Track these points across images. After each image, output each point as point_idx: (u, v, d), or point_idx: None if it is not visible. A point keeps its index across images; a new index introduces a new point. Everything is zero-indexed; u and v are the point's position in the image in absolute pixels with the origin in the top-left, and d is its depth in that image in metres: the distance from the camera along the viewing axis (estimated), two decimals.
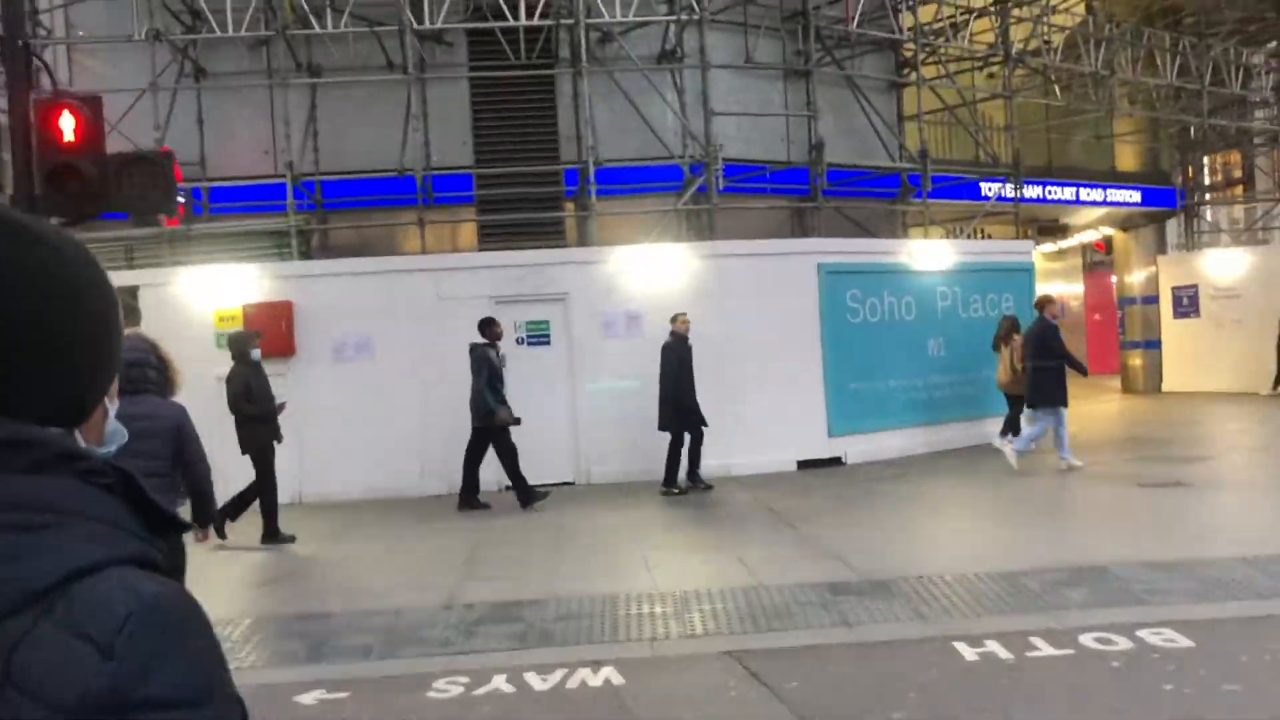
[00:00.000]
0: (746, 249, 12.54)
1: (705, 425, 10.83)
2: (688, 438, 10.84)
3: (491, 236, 13.88)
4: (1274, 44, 19.99)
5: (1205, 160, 23.28)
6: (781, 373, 12.15)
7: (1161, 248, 20.87)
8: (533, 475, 10.39)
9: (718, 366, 11.53)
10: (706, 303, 11.81)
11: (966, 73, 16.08)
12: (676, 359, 10.75)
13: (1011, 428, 13.14)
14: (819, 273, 12.73)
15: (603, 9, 12.89)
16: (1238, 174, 27.59)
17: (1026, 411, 11.88)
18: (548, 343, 12.12)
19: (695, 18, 12.94)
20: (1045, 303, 12.14)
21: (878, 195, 15.56)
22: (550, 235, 13.80)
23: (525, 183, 13.54)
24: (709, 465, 11.24)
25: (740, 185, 14.14)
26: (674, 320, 10.94)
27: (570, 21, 12.79)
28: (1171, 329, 20.06)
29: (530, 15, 12.82)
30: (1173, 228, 21.24)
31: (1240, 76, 18.53)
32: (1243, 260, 19.63)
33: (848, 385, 12.85)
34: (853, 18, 13.79)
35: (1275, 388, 17.90)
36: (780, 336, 12.24)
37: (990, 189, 16.35)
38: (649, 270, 12.16)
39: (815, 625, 5.99)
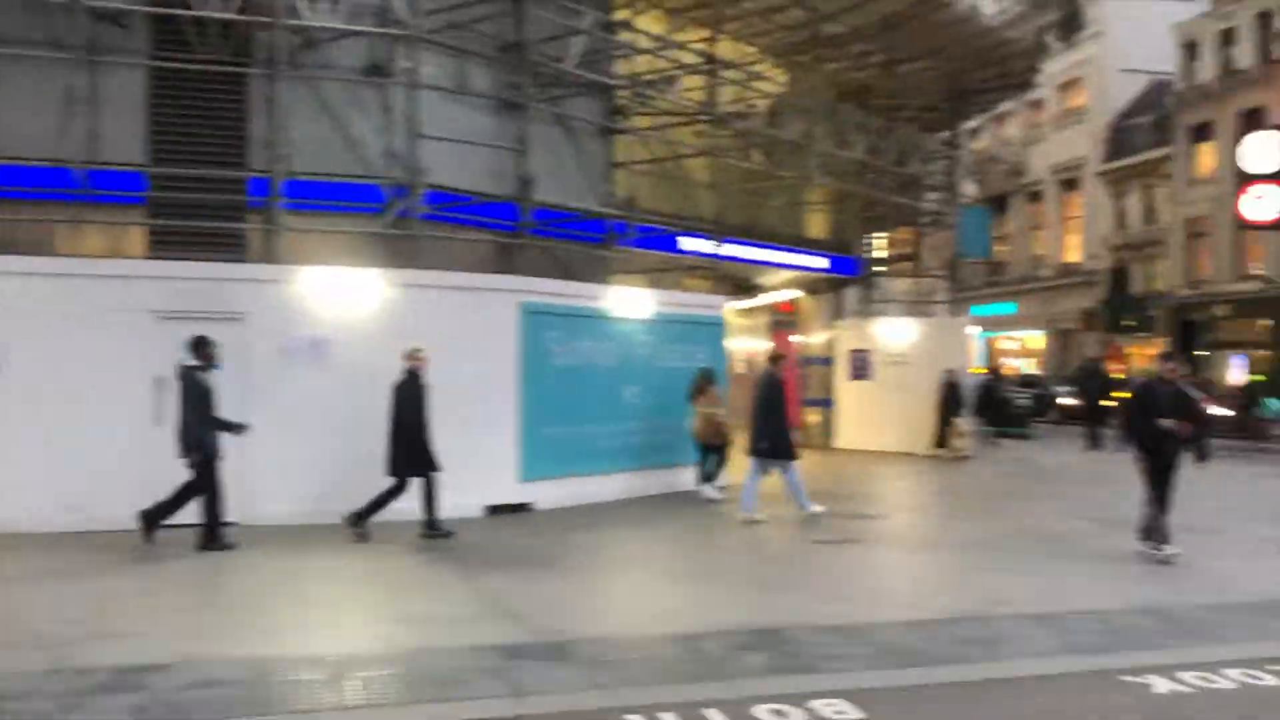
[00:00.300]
0: (447, 280, 11.95)
1: (438, 469, 10.16)
2: (419, 482, 10.13)
3: (165, 244, 12.46)
4: (946, 133, 21.94)
5: (884, 235, 25.18)
6: (474, 413, 11.62)
7: (841, 312, 22.25)
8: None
9: None
10: (399, 334, 11.11)
11: (676, 127, 16.39)
12: (409, 397, 10.05)
13: (708, 477, 13.41)
14: (521, 312, 12.36)
15: (306, 13, 12.00)
16: (909, 250, 30.23)
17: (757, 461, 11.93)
18: (217, 366, 10.94)
19: (405, 33, 12.32)
20: (777, 357, 12.52)
21: (584, 239, 15.48)
22: (231, 248, 12.59)
23: (206, 188, 12.30)
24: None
25: (446, 215, 13.57)
26: (407, 355, 10.23)
27: (269, 20, 11.80)
28: (846, 389, 21.36)
29: (224, 7, 11.73)
30: (852, 294, 22.72)
31: (919, 159, 20.19)
32: (911, 329, 21.27)
33: (543, 429, 12.51)
34: (568, 57, 13.66)
35: (935, 449, 19.42)
36: (476, 374, 11.72)
37: (691, 244, 16.70)
38: (339, 295, 11.32)
39: (483, 695, 5.47)
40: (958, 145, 22.17)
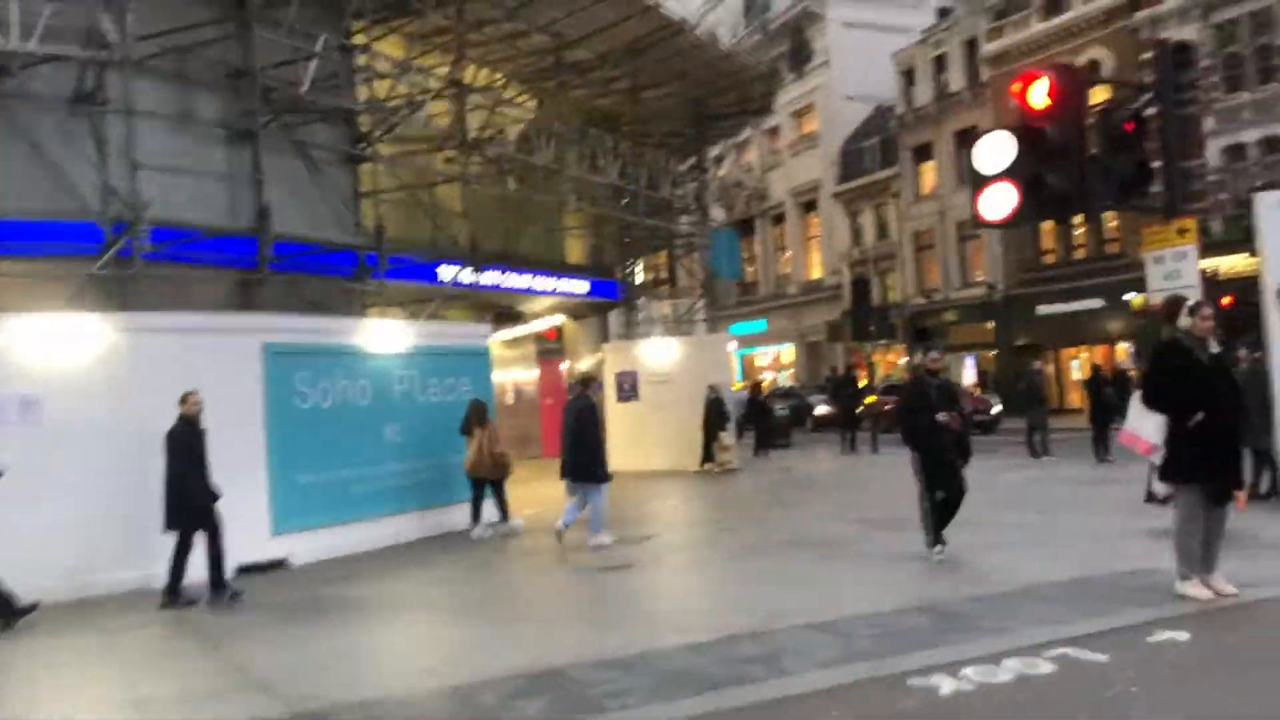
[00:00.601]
0: (179, 323, 10.94)
1: (216, 524, 9.34)
2: (198, 538, 9.25)
3: None
4: (693, 158, 22.47)
5: (642, 258, 25.54)
6: (218, 464, 10.64)
7: (606, 336, 22.31)
8: None
9: (139, 458, 9.78)
10: (127, 384, 10.07)
11: (424, 154, 15.88)
12: (180, 446, 9.21)
13: (492, 511, 12.99)
14: (265, 352, 11.48)
15: None
16: (667, 273, 30.83)
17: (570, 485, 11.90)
18: None
19: (116, 59, 11.26)
20: (588, 380, 12.41)
21: (334, 273, 14.70)
22: None
23: None
24: (115, 575, 9.50)
25: (177, 253, 12.48)
26: (182, 401, 9.38)
27: None
28: (614, 411, 21.36)
29: None
30: (615, 318, 22.84)
31: (669, 183, 20.55)
32: (674, 348, 21.58)
33: (296, 477, 11.64)
34: (301, 82, 12.93)
35: (703, 464, 19.70)
36: (217, 422, 10.73)
37: (449, 273, 16.21)
38: (54, 345, 10.12)
39: None
40: (705, 169, 22.76)
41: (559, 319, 22.50)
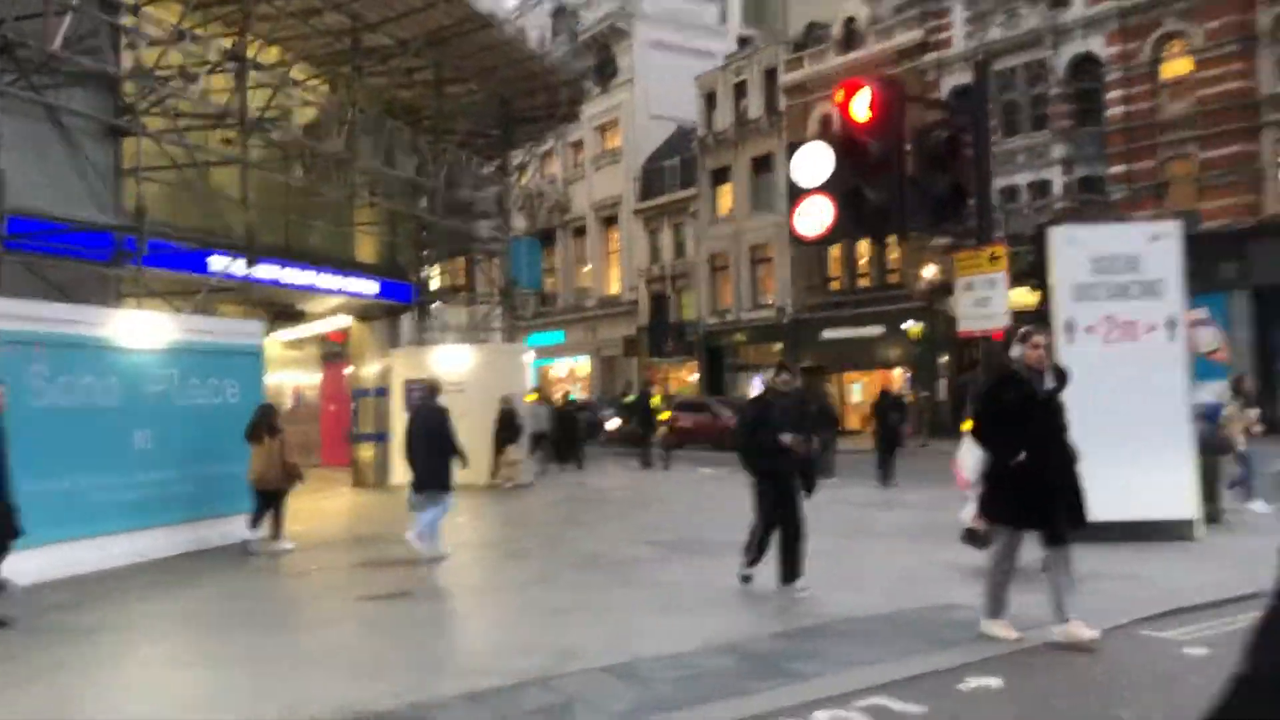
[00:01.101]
0: None
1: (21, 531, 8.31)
2: None
3: None
4: (498, 161, 21.68)
5: (439, 262, 24.48)
6: None
7: (396, 341, 21.14)
8: None
9: None
10: None
11: (199, 131, 14.40)
12: None
13: (258, 524, 11.83)
14: None
15: None
16: (463, 280, 29.80)
17: (415, 496, 11.28)
18: None
19: None
20: (437, 387, 11.90)
21: (88, 257, 13.08)
22: None
23: None
24: None
25: None
26: None
27: None
28: (402, 422, 20.22)
29: None
30: (408, 322, 21.71)
31: (470, 185, 19.68)
32: (468, 355, 20.68)
33: (23, 484, 10.11)
34: (55, 38, 11.38)
35: (493, 476, 18.87)
36: None
37: (220, 264, 14.76)
38: None
39: None
40: (509, 173, 22.01)
41: (346, 321, 21.15)
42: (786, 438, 8.04)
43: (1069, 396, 6.32)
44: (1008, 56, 31.74)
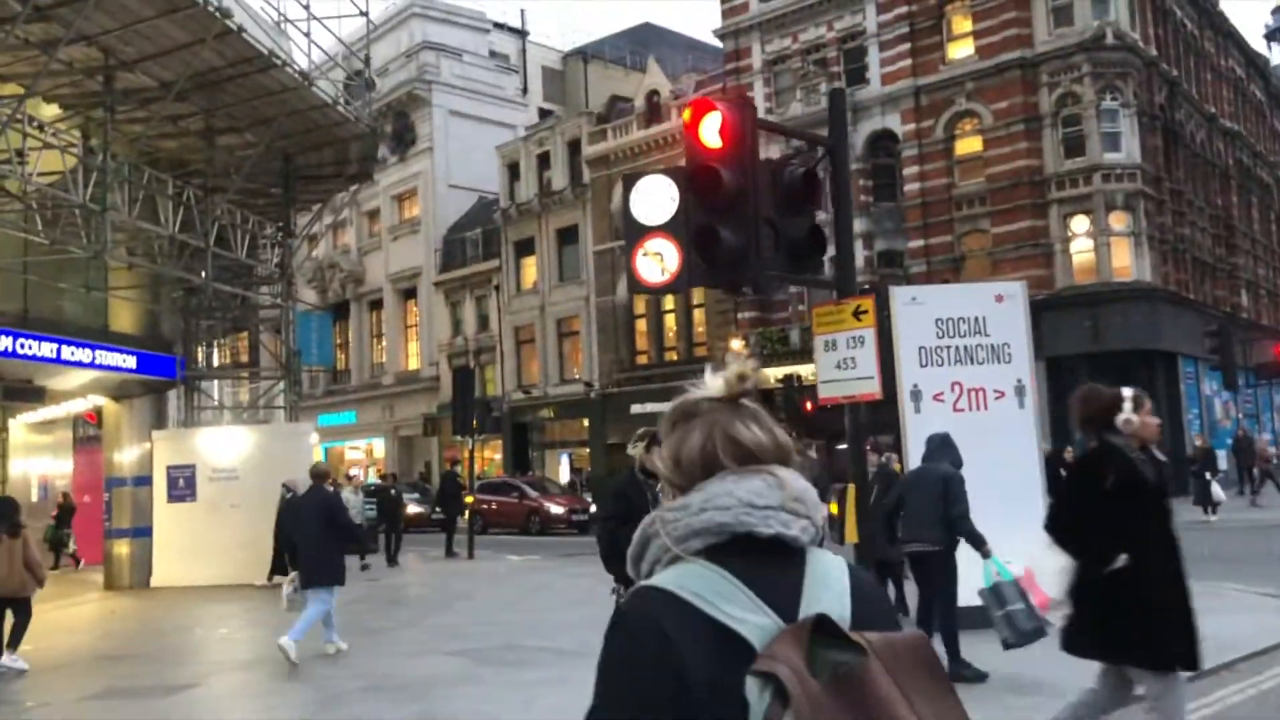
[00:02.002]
0: None
1: None
2: None
3: None
4: (280, 223, 19.67)
5: (208, 329, 22.05)
6: None
7: (161, 422, 18.60)
8: None
9: None
10: None
11: None
12: None
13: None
14: None
15: None
16: (245, 357, 27.23)
17: (299, 592, 10.25)
18: None
19: None
20: (324, 473, 11.01)
21: None
22: None
23: None
24: None
25: None
26: None
27: None
28: (165, 513, 17.69)
29: None
30: (174, 400, 19.20)
31: (246, 243, 17.60)
32: (244, 438, 18.38)
33: None
34: None
35: (271, 577, 16.55)
36: None
37: None
38: None
39: None
40: (292, 234, 19.98)
41: (98, 400, 18.46)
42: None
43: None
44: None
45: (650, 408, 35.59)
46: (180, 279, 16.84)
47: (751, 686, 1.28)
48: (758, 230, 6.25)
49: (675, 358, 35.87)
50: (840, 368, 6.98)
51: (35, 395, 16.09)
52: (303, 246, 23.40)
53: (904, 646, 1.34)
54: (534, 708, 7.46)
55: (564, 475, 39.15)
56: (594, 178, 37.65)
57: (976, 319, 10.24)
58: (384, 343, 46.85)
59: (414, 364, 45.30)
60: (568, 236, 39.10)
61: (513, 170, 41.31)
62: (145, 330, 17.96)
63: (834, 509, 10.20)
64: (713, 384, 1.55)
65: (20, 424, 22.96)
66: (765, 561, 1.41)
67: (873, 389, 6.90)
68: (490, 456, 41.17)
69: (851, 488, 7.97)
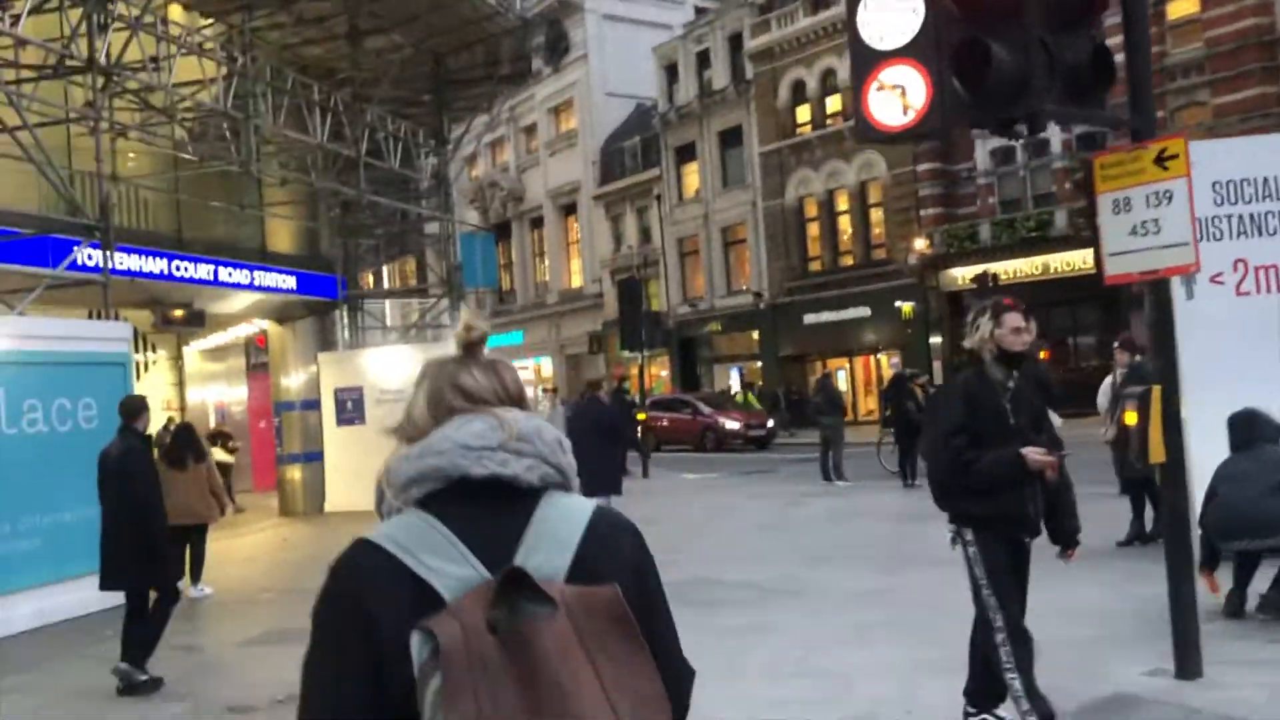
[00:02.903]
0: None
1: None
2: None
3: None
4: (435, 132, 18.62)
5: (372, 250, 21.45)
6: None
7: (327, 344, 18.05)
8: None
9: None
10: None
11: (31, 82, 11.20)
12: None
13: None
14: None
15: None
16: (414, 281, 26.75)
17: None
18: None
19: None
20: (598, 382, 10.87)
21: None
22: None
23: None
24: None
25: None
26: None
27: None
28: (335, 437, 17.20)
29: None
30: (340, 323, 18.62)
31: (400, 153, 16.61)
32: (410, 357, 17.66)
33: None
34: None
35: None
36: None
37: (82, 254, 11.53)
38: None
39: None
40: (446, 141, 18.91)
41: (264, 323, 18.07)
42: (1034, 454, 4.20)
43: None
44: None
45: (826, 317, 33.74)
46: (335, 192, 16.00)
47: (415, 641, 1.27)
48: (1044, 45, 4.51)
49: (851, 262, 33.72)
50: (1137, 233, 5.20)
51: (196, 320, 15.64)
52: (461, 166, 22.45)
53: (599, 603, 1.30)
54: (742, 662, 6.16)
55: (734, 389, 37.78)
56: (757, 73, 35.40)
57: (1267, 180, 8.14)
58: (547, 261, 46.20)
59: (577, 281, 44.52)
60: (730, 139, 37.09)
61: (670, 72, 39.38)
62: (304, 250, 17.34)
63: (1131, 418, 8.33)
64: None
65: (194, 352, 23.11)
66: (490, 509, 1.40)
67: (1187, 259, 5.11)
68: (656, 374, 40.16)
69: (1156, 390, 6.17)
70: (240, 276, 15.16)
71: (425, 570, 1.33)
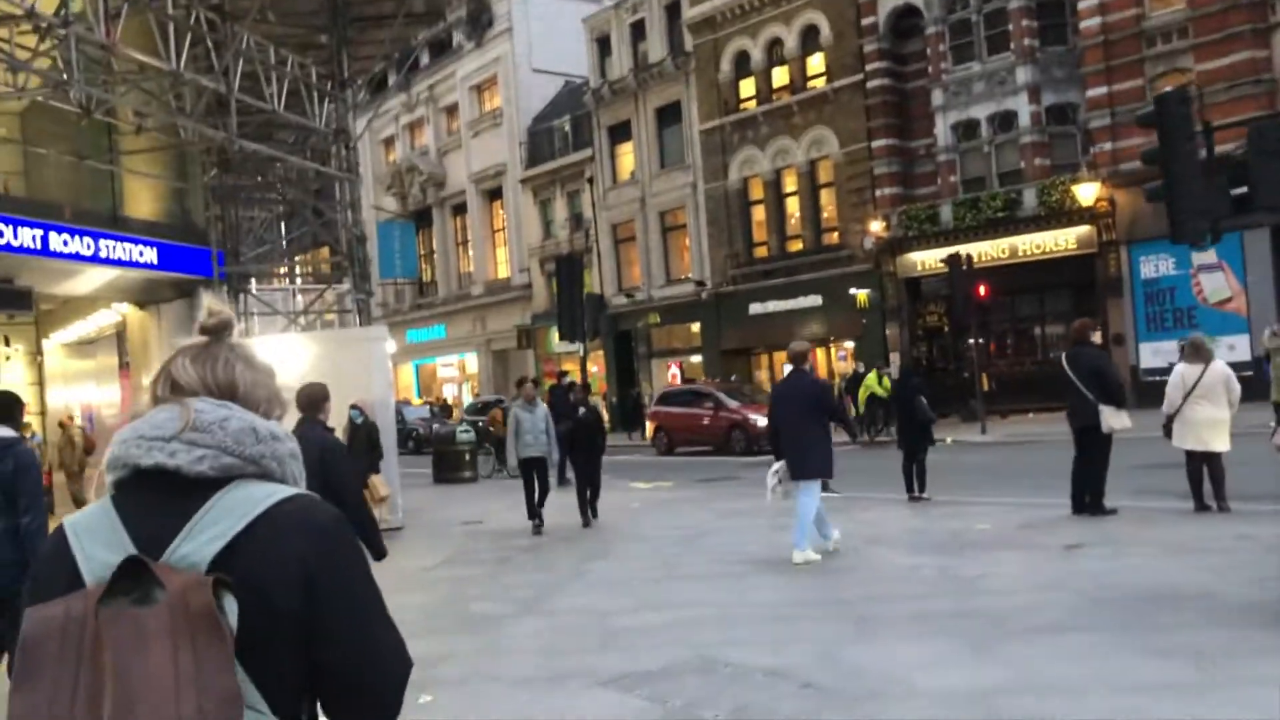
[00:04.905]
0: None
1: None
2: None
3: None
4: (331, 80, 15.54)
5: (273, 227, 18.24)
6: None
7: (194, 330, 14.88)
8: None
9: None
10: None
11: None
12: None
13: None
14: None
15: None
16: (326, 255, 23.55)
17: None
18: None
19: None
20: (804, 353, 9.34)
21: None
22: None
23: None
24: None
25: None
26: None
27: None
28: None
29: None
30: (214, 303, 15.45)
31: (284, 94, 13.49)
32: (302, 348, 14.57)
33: None
34: None
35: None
36: None
37: None
38: None
39: None
40: (346, 85, 15.80)
41: (124, 307, 14.85)
42: None
43: None
44: None
45: (773, 306, 31.28)
46: (202, 139, 12.80)
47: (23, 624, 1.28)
48: None
49: (801, 247, 31.29)
50: None
51: (17, 300, 12.39)
52: (351, 96, 19.29)
53: (195, 595, 1.27)
54: None
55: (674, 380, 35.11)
56: (697, 44, 32.81)
57: None
58: (470, 250, 43.07)
59: (504, 271, 41.50)
60: (668, 116, 34.45)
61: (603, 45, 36.58)
62: (171, 217, 14.18)
63: None
64: None
65: (57, 346, 19.71)
66: (163, 498, 1.37)
67: None
68: (590, 369, 37.31)
69: None
70: (79, 245, 11.96)
71: (82, 557, 1.34)
